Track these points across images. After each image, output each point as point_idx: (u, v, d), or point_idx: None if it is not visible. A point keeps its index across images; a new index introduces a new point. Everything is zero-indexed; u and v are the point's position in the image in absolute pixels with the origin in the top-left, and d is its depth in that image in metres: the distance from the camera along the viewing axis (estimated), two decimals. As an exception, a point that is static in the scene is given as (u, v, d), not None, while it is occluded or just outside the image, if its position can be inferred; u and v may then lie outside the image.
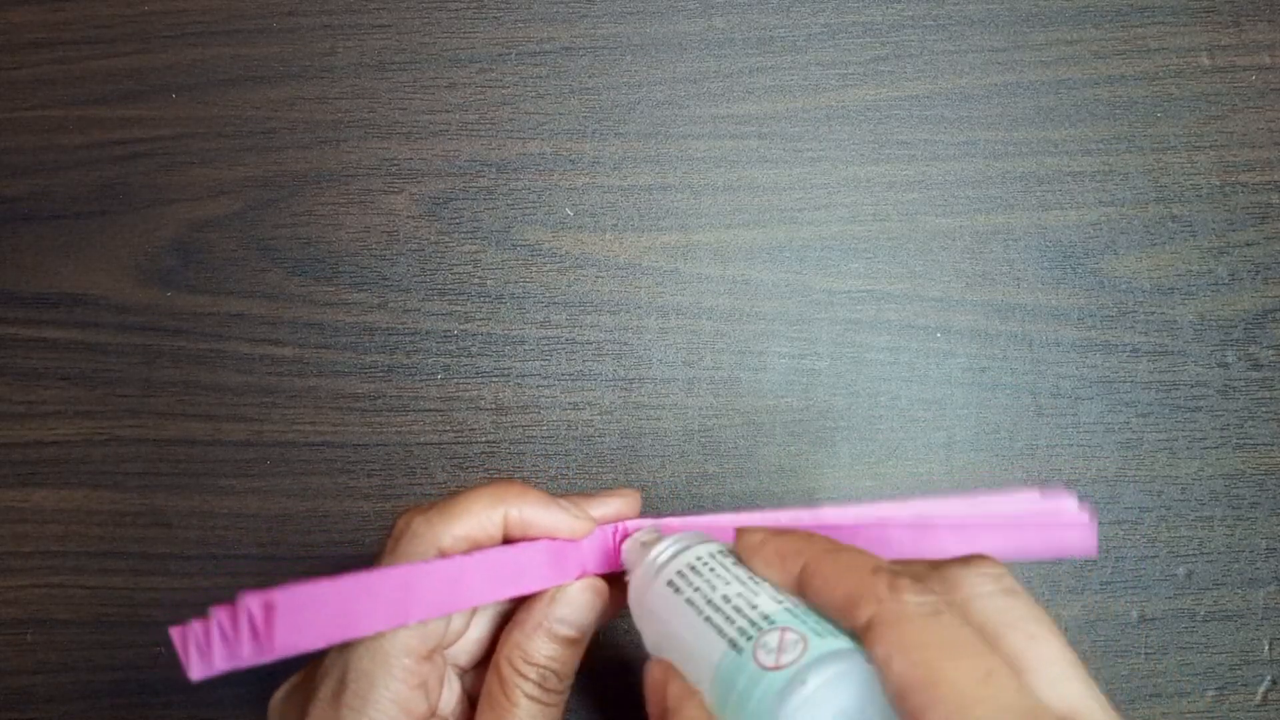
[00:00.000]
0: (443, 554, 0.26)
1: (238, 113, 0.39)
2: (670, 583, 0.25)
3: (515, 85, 0.39)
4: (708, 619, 0.23)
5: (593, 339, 0.37)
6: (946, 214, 0.38)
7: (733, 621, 0.23)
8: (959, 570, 0.23)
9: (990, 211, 0.38)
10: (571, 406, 0.37)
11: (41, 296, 0.38)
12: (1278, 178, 0.38)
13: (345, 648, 0.25)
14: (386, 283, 0.38)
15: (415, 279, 0.38)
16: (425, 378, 0.37)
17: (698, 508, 0.36)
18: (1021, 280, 0.38)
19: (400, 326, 0.37)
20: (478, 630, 0.28)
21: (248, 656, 0.23)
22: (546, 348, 0.37)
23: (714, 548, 0.26)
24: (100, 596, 0.36)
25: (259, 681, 0.36)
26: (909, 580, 0.21)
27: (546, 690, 0.26)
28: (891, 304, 0.37)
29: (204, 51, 0.39)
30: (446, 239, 0.38)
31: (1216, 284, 0.37)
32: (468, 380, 0.37)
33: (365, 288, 0.38)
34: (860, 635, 0.21)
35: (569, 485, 0.37)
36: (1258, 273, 0.38)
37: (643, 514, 0.30)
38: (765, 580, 0.24)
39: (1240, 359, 0.37)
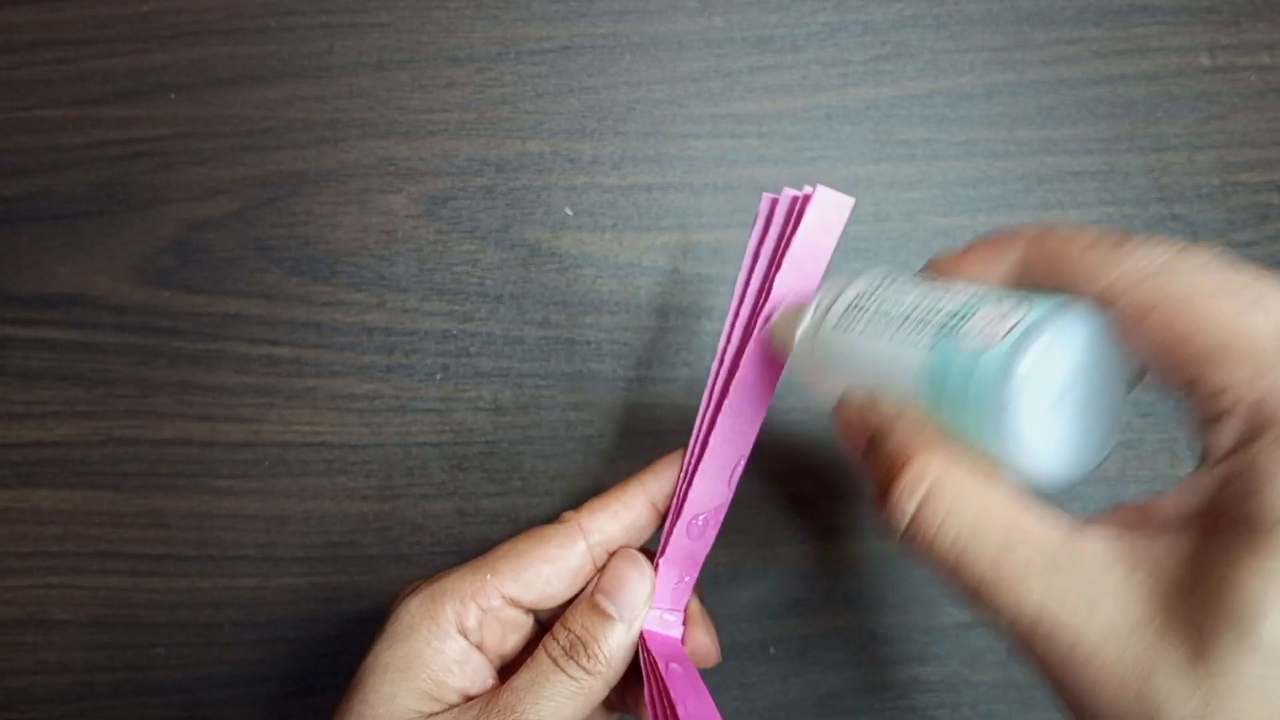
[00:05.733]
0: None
1: (236, 112, 0.38)
2: (844, 316, 0.23)
3: (514, 84, 0.39)
4: (900, 328, 0.21)
5: (593, 339, 0.37)
6: (947, 213, 0.38)
7: (930, 319, 0.21)
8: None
9: (991, 211, 0.38)
10: (571, 406, 0.37)
11: (40, 296, 0.38)
12: (1278, 178, 0.38)
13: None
14: (385, 282, 0.38)
15: (414, 279, 0.38)
16: (424, 378, 0.37)
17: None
18: (1022, 280, 0.37)
19: (399, 326, 0.37)
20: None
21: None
22: (546, 348, 0.37)
23: (872, 277, 0.24)
24: (99, 597, 0.36)
25: (258, 682, 0.36)
26: (1137, 238, 0.20)
27: (571, 660, 0.26)
28: (891, 304, 0.37)
29: (202, 51, 0.39)
30: (445, 238, 0.38)
31: (1217, 284, 0.37)
32: (467, 380, 0.37)
33: (363, 287, 0.38)
34: (1102, 303, 0.20)
35: (569, 485, 0.37)
36: (1259, 272, 0.37)
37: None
38: (957, 284, 0.22)
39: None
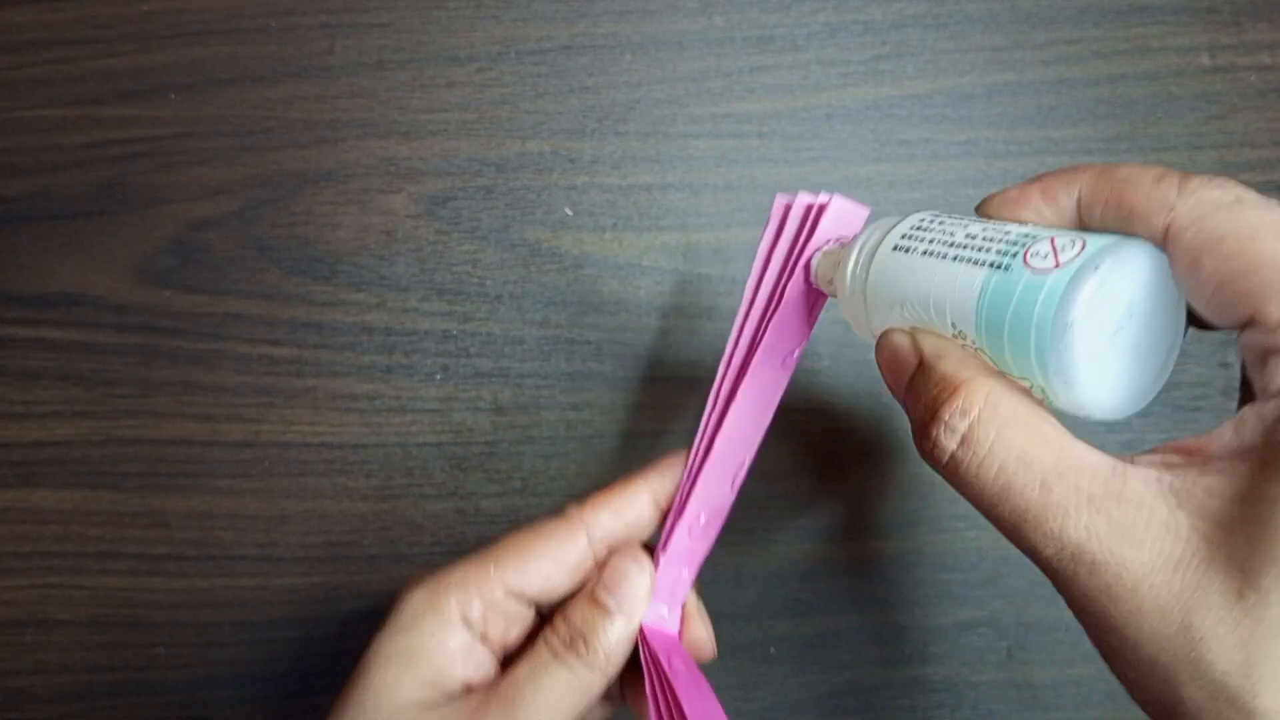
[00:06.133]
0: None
1: (236, 112, 0.38)
2: (896, 248, 0.23)
3: (514, 84, 0.39)
4: (955, 258, 0.21)
5: (592, 339, 0.37)
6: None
7: (988, 249, 0.21)
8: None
9: (991, 211, 0.38)
10: (571, 407, 0.37)
11: (40, 296, 0.38)
12: (1278, 178, 0.38)
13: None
14: (385, 282, 0.38)
15: (414, 278, 0.38)
16: (424, 378, 0.37)
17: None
18: (1022, 280, 0.37)
19: (398, 326, 0.37)
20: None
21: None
22: (546, 348, 0.37)
23: (923, 214, 0.23)
24: (99, 597, 0.36)
25: (258, 683, 0.36)
26: (1201, 177, 0.20)
27: (570, 652, 0.26)
28: (891, 304, 0.37)
29: (202, 51, 0.39)
30: (445, 238, 0.38)
31: (1218, 284, 0.37)
32: (466, 380, 0.37)
33: (363, 287, 0.38)
34: (1162, 242, 0.20)
35: (569, 485, 0.37)
36: (1259, 272, 0.37)
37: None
38: (1011, 223, 0.22)
39: (1242, 359, 0.37)
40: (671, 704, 0.26)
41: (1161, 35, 0.39)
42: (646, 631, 0.28)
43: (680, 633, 0.29)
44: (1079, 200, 0.22)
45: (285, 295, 0.37)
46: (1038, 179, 0.23)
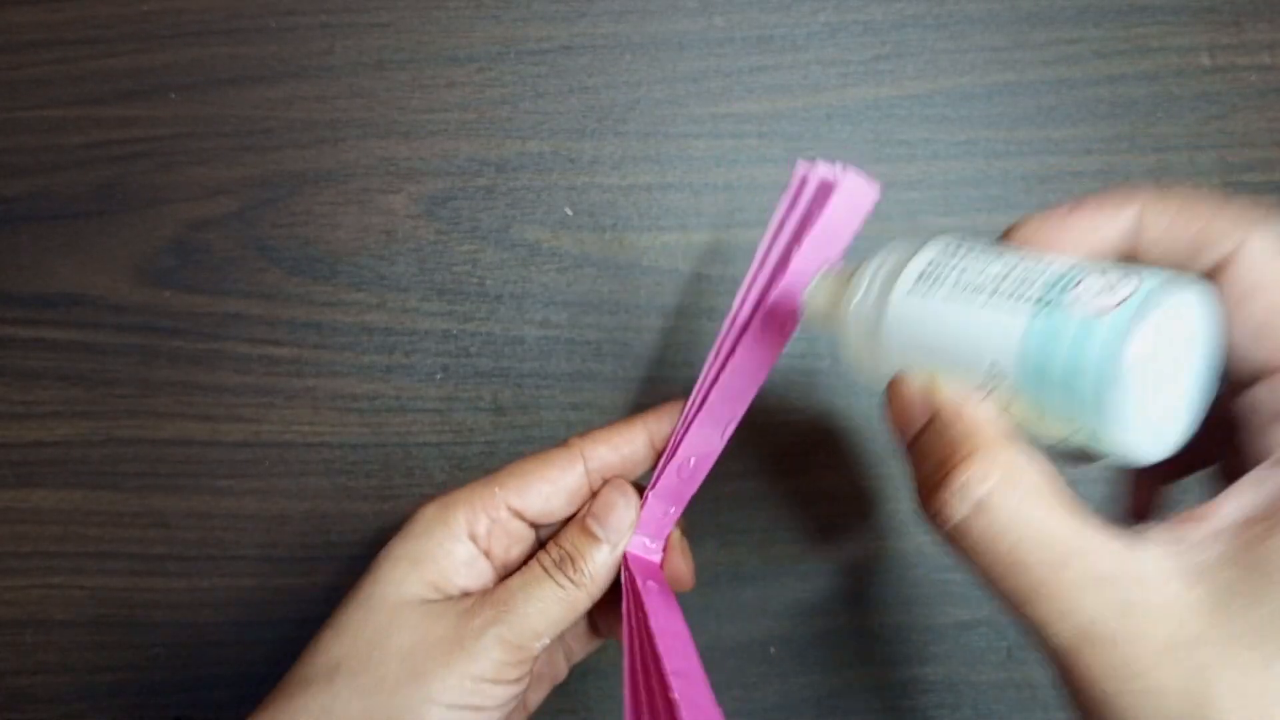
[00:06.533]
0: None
1: (236, 112, 0.38)
2: (914, 289, 0.21)
3: (514, 84, 0.39)
4: (989, 299, 0.20)
5: (592, 339, 0.37)
6: (947, 213, 0.38)
7: (1027, 286, 0.19)
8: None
9: (991, 211, 0.38)
10: (571, 407, 0.37)
11: (40, 296, 0.38)
12: (1278, 177, 0.38)
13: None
14: (385, 282, 0.38)
15: (414, 278, 0.38)
16: (424, 378, 0.37)
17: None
18: (1022, 280, 0.37)
19: (399, 326, 0.37)
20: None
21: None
22: (546, 348, 0.37)
23: (944, 244, 0.22)
24: (99, 597, 0.36)
25: (258, 683, 0.36)
26: (1265, 211, 0.19)
27: (560, 570, 0.29)
28: (892, 304, 0.37)
29: (202, 51, 0.39)
30: (445, 238, 0.38)
31: (1218, 284, 0.37)
32: (466, 380, 0.37)
33: (363, 287, 0.38)
34: (1212, 275, 0.19)
35: (568, 485, 0.37)
36: (1259, 272, 0.37)
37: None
38: (1048, 254, 0.20)
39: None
40: (642, 621, 0.28)
41: (1161, 35, 0.39)
42: (629, 558, 0.30)
43: (662, 563, 0.31)
44: (1138, 220, 0.21)
45: (285, 295, 0.37)
46: (1086, 199, 0.22)
